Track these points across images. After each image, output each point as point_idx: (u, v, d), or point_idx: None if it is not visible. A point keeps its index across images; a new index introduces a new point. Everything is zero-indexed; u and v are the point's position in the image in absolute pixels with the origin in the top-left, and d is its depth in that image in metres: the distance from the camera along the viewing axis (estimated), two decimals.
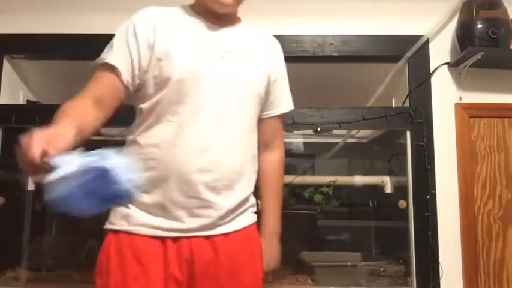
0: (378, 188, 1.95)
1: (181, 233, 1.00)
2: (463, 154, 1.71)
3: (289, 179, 1.84)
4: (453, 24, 1.78)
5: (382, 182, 1.92)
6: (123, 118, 1.71)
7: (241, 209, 1.08)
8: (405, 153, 1.73)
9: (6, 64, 1.81)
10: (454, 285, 1.65)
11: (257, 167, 1.15)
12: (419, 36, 1.76)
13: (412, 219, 1.68)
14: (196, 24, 1.08)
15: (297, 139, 2.24)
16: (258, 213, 1.18)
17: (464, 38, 1.70)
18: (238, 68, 1.07)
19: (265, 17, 1.73)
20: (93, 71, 1.04)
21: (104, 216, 1.06)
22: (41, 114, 1.68)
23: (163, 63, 1.01)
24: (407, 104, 1.77)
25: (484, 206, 1.70)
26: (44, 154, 0.71)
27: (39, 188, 1.91)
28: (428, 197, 1.67)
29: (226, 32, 1.10)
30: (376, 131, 2.07)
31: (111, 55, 1.02)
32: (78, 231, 2.24)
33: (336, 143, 2.20)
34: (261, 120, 1.18)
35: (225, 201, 1.03)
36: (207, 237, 1.02)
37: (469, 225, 1.68)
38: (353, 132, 2.06)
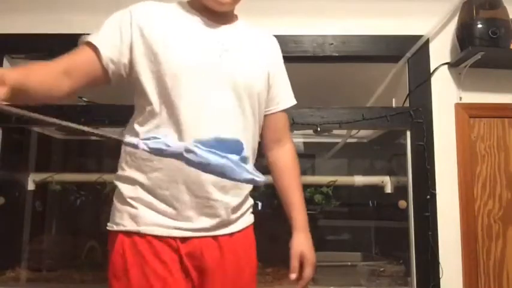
0: (378, 188, 1.95)
1: (191, 232, 1.00)
2: (463, 154, 1.71)
3: None
4: (453, 24, 1.78)
5: (382, 182, 1.92)
6: (124, 118, 1.71)
7: (244, 208, 1.09)
8: (405, 153, 1.73)
9: (6, 64, 1.80)
10: (454, 285, 1.65)
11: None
12: (419, 36, 1.76)
13: (412, 219, 1.68)
14: (194, 21, 1.07)
15: (297, 139, 2.25)
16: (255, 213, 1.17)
17: (464, 38, 1.70)
18: (237, 65, 1.06)
19: (265, 17, 1.73)
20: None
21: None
22: (40, 114, 1.67)
23: (161, 59, 1.00)
24: (407, 104, 1.77)
25: (484, 206, 1.70)
26: None
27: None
28: (428, 197, 1.67)
29: (224, 29, 1.09)
30: (376, 131, 2.07)
31: (95, 36, 1.00)
32: (78, 231, 2.24)
33: (336, 143, 2.20)
34: (266, 117, 1.17)
35: (233, 199, 1.04)
36: (214, 237, 1.02)
37: (469, 225, 1.68)
38: (353, 132, 2.06)
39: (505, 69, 1.76)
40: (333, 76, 2.06)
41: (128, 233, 1.00)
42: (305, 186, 2.01)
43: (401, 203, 1.74)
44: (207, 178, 0.98)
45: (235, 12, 1.16)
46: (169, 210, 0.99)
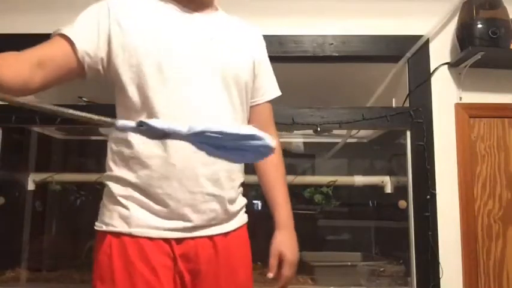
0: (378, 188, 1.95)
1: (186, 232, 0.97)
2: (463, 154, 1.71)
3: (289, 179, 1.83)
4: (453, 24, 1.78)
5: (382, 182, 1.92)
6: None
7: (238, 205, 1.07)
8: (405, 153, 1.73)
9: None
10: (454, 285, 1.65)
11: None
12: (419, 36, 1.76)
13: (412, 219, 1.68)
14: (175, 11, 1.03)
15: (297, 139, 2.25)
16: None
17: (464, 38, 1.70)
18: (222, 55, 1.02)
19: (265, 17, 1.74)
20: None
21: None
22: (40, 114, 1.68)
23: (142, 52, 0.95)
24: (407, 104, 1.77)
25: (484, 206, 1.70)
26: None
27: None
28: (428, 197, 1.67)
29: (206, 18, 1.05)
30: (376, 131, 2.07)
31: (70, 28, 0.96)
32: (78, 231, 2.24)
33: (336, 143, 2.20)
34: (252, 109, 1.14)
35: (227, 193, 1.01)
36: (209, 237, 1.00)
37: (469, 225, 1.68)
38: (353, 132, 2.06)
39: (505, 69, 1.76)
40: (333, 76, 2.06)
41: (117, 234, 0.96)
42: (305, 186, 2.02)
43: (401, 203, 1.74)
44: (202, 172, 0.95)
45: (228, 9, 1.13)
46: (162, 209, 0.96)
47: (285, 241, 1.11)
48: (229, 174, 1.02)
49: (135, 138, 0.96)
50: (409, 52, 1.76)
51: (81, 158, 2.37)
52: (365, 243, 2.31)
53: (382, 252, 2.10)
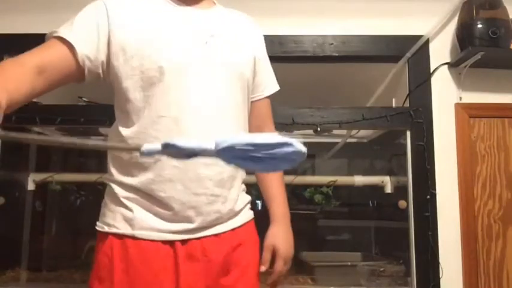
0: (378, 188, 1.95)
1: (190, 234, 0.95)
2: (463, 154, 1.71)
3: (289, 179, 1.83)
4: (453, 24, 1.78)
5: (382, 182, 1.92)
6: None
7: (241, 203, 1.06)
8: (405, 153, 1.73)
9: None
10: (454, 285, 1.65)
11: None
12: (419, 36, 1.76)
13: (412, 219, 1.68)
14: (175, 9, 1.00)
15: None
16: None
17: (464, 38, 1.70)
18: (223, 52, 1.01)
19: (265, 17, 1.73)
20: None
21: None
22: (41, 114, 1.68)
23: (144, 52, 0.93)
24: (407, 104, 1.77)
25: (484, 206, 1.70)
26: None
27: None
28: (428, 197, 1.67)
29: (205, 14, 1.03)
30: (376, 131, 2.07)
31: (68, 30, 0.92)
32: (78, 231, 2.24)
33: (336, 143, 2.20)
34: (251, 104, 1.13)
35: (230, 192, 1.00)
36: (216, 235, 0.99)
37: (469, 225, 1.68)
38: (353, 132, 2.06)
39: (505, 69, 1.76)
40: (333, 76, 2.06)
41: (120, 236, 0.95)
42: (305, 186, 2.02)
43: (401, 203, 1.74)
44: (205, 173, 0.94)
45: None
46: (166, 211, 0.94)
47: (279, 235, 1.11)
48: (232, 174, 1.01)
49: (136, 140, 0.94)
50: (409, 52, 1.76)
51: (81, 158, 2.37)
52: (365, 243, 2.31)
53: (382, 252, 2.10)
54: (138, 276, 0.92)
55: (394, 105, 1.82)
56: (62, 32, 0.92)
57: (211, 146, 0.62)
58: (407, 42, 1.77)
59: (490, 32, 1.63)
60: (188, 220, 0.95)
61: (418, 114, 1.72)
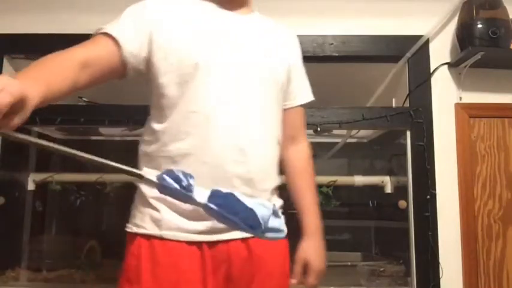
0: (378, 188, 1.95)
1: (217, 234, 0.95)
2: (463, 154, 1.71)
3: None
4: (453, 24, 1.78)
5: (382, 182, 1.92)
6: (124, 118, 1.71)
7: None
8: (405, 153, 1.73)
9: (6, 64, 1.80)
10: (454, 285, 1.65)
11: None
12: (419, 36, 1.76)
13: (412, 219, 1.68)
14: (214, 11, 1.03)
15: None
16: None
17: (464, 38, 1.70)
18: (258, 55, 1.03)
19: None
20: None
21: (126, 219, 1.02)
22: (40, 114, 1.67)
23: (182, 51, 0.96)
24: (407, 104, 1.77)
25: (484, 206, 1.70)
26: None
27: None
28: (428, 197, 1.67)
29: (243, 19, 1.06)
30: (376, 131, 2.07)
31: (114, 27, 0.95)
32: (78, 231, 2.24)
33: (336, 143, 2.20)
34: (284, 112, 1.13)
35: (261, 195, 0.98)
36: (242, 240, 0.97)
37: (469, 225, 1.68)
38: (353, 132, 2.06)
39: (505, 69, 1.76)
40: (333, 76, 2.05)
41: (147, 237, 0.95)
42: None
43: (401, 203, 1.74)
44: (234, 171, 0.94)
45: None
46: (194, 210, 0.91)
47: (311, 248, 1.11)
48: (264, 176, 1.00)
49: (166, 137, 0.97)
50: (409, 52, 1.76)
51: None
52: (365, 243, 2.31)
53: (382, 252, 2.10)
54: (165, 277, 0.92)
55: (394, 105, 1.82)
56: (108, 28, 0.95)
57: (201, 199, 0.68)
58: (407, 42, 1.77)
59: (490, 32, 1.63)
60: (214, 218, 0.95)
61: (418, 114, 1.72)
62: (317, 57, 1.79)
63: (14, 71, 1.86)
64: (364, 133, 2.16)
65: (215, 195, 0.69)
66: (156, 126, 0.99)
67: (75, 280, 1.75)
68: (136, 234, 0.97)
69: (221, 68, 0.97)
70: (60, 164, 2.28)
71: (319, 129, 1.70)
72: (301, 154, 1.18)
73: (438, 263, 1.64)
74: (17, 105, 0.62)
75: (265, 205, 0.71)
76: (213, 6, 1.04)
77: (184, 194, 0.68)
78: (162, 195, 0.93)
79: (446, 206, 1.68)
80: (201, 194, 0.69)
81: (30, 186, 1.87)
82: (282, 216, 1.07)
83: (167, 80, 0.97)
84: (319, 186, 1.98)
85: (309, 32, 1.79)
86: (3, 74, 1.80)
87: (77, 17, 1.80)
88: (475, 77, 1.75)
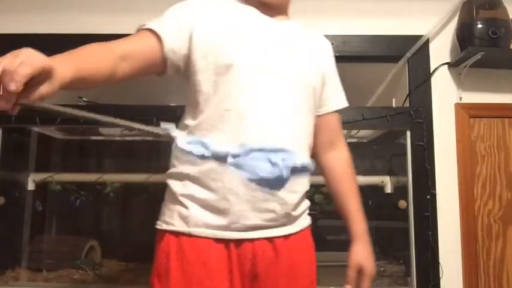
0: (378, 188, 1.95)
1: (244, 232, 0.96)
2: (463, 154, 1.71)
3: None
4: (453, 24, 1.78)
5: (382, 182, 1.92)
6: (124, 118, 1.70)
7: (300, 209, 1.05)
8: (405, 153, 1.73)
9: None
10: (454, 285, 1.65)
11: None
12: (419, 36, 1.76)
13: (412, 219, 1.68)
14: (253, 15, 1.06)
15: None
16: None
17: (464, 38, 1.70)
18: (293, 60, 1.04)
19: None
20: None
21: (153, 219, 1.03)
22: (41, 114, 1.68)
23: (220, 50, 0.98)
24: (407, 104, 1.77)
25: (484, 206, 1.70)
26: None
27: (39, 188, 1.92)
28: (428, 197, 1.67)
29: (281, 24, 1.08)
30: (376, 131, 2.07)
31: (157, 23, 0.97)
32: (78, 231, 2.24)
33: None
34: (320, 118, 1.15)
35: (289, 196, 0.99)
36: (269, 239, 0.98)
37: (469, 225, 1.68)
38: (353, 132, 2.06)
39: (505, 69, 1.76)
40: None
41: (176, 233, 0.97)
42: None
43: (401, 203, 1.74)
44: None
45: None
46: (221, 204, 0.95)
47: (363, 253, 1.12)
48: (293, 177, 1.00)
49: (199, 133, 0.98)
50: (409, 52, 1.76)
51: (81, 158, 2.37)
52: None
53: (382, 252, 2.10)
54: (192, 273, 0.93)
55: (394, 105, 1.82)
56: (151, 24, 0.97)
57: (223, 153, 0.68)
58: (407, 42, 1.77)
59: (490, 32, 1.63)
60: (243, 216, 0.95)
61: (418, 114, 1.72)
62: None
63: None
64: (364, 133, 2.16)
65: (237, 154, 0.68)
66: (190, 122, 1.01)
67: (75, 280, 1.75)
68: (165, 231, 0.99)
69: (255, 69, 0.99)
70: (60, 164, 2.29)
71: None
72: (341, 159, 1.20)
73: (438, 263, 1.64)
74: (40, 77, 0.64)
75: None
76: (253, 11, 1.07)
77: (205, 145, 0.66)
78: (192, 192, 0.97)
79: (446, 206, 1.68)
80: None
81: (30, 186, 1.87)
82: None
83: (204, 77, 0.99)
84: (319, 186, 1.98)
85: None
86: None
87: (77, 17, 1.80)
88: (475, 77, 1.75)
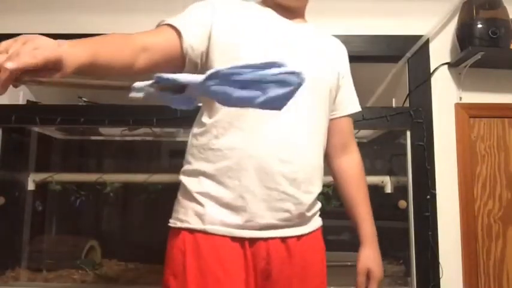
0: (378, 188, 1.94)
1: (258, 230, 0.96)
2: (463, 154, 1.71)
3: None
4: (453, 24, 1.78)
5: (382, 182, 1.92)
6: (124, 118, 1.71)
7: (313, 210, 1.06)
8: (405, 153, 1.73)
9: None
10: (454, 285, 1.65)
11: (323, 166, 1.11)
12: (419, 36, 1.76)
13: (412, 219, 1.68)
14: (271, 16, 1.07)
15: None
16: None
17: (464, 38, 1.70)
18: (310, 62, 1.05)
19: None
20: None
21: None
22: (40, 114, 1.68)
23: (237, 49, 0.99)
24: (407, 104, 1.77)
25: (484, 206, 1.70)
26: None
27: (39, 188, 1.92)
28: (428, 197, 1.67)
29: (298, 26, 1.09)
30: (376, 131, 2.06)
31: (178, 20, 0.97)
32: (78, 231, 2.24)
33: None
34: (333, 122, 1.16)
35: (304, 197, 1.00)
36: (282, 239, 0.99)
37: (469, 225, 1.68)
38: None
39: (505, 69, 1.76)
40: None
41: (191, 231, 0.97)
42: None
43: (401, 203, 1.74)
44: (278, 169, 0.96)
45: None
46: (237, 202, 0.95)
47: (371, 257, 1.14)
48: (309, 177, 1.01)
49: (217, 130, 0.98)
50: (409, 52, 1.76)
51: (81, 158, 2.37)
52: None
53: (382, 252, 2.10)
54: (209, 270, 0.93)
55: (394, 105, 1.82)
56: (172, 20, 0.97)
57: (199, 78, 0.61)
58: (407, 42, 1.77)
59: (490, 32, 1.63)
60: (257, 214, 0.96)
61: (418, 114, 1.72)
62: None
63: None
64: (364, 133, 2.15)
65: (214, 76, 0.61)
66: (207, 120, 1.01)
67: (75, 280, 1.75)
68: (180, 229, 0.98)
69: None
70: (60, 164, 2.29)
71: None
72: (353, 163, 1.20)
73: (438, 263, 1.64)
74: (48, 66, 0.66)
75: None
76: (271, 13, 1.08)
77: (178, 81, 0.61)
78: (207, 190, 0.97)
79: (446, 206, 1.68)
80: (196, 77, 0.62)
81: (30, 186, 1.87)
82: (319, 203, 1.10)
83: None
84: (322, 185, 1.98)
85: None
86: None
87: (77, 17, 1.80)
88: (475, 77, 1.75)
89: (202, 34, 0.98)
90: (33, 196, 1.96)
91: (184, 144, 1.09)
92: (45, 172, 1.91)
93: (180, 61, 0.98)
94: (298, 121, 1.00)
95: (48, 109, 1.71)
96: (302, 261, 1.02)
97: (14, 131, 1.84)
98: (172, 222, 1.02)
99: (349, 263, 1.86)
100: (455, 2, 1.74)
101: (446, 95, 1.76)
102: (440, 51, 1.79)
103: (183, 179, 1.03)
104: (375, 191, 2.09)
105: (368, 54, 1.79)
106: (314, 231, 1.07)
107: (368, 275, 1.12)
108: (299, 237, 1.02)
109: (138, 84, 0.61)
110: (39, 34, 0.70)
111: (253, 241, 0.97)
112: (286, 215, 0.98)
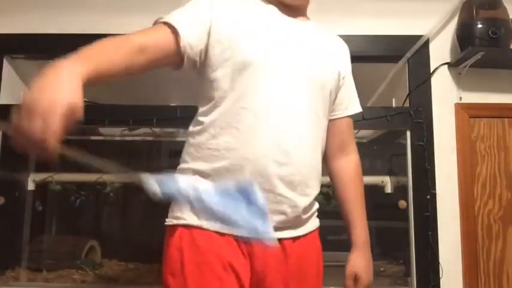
0: (378, 188, 1.94)
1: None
2: (463, 154, 1.71)
3: None
4: (453, 24, 1.78)
5: (382, 182, 1.92)
6: (124, 118, 1.71)
7: (310, 212, 1.06)
8: (405, 153, 1.73)
9: (6, 64, 1.81)
10: (454, 285, 1.65)
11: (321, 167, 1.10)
12: (419, 36, 1.76)
13: (412, 219, 1.68)
14: (272, 13, 1.06)
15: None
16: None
17: (464, 38, 1.70)
18: (311, 62, 1.04)
19: None
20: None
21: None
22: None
23: (238, 47, 0.97)
24: (407, 104, 1.77)
25: (484, 206, 1.70)
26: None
27: (40, 188, 1.91)
28: (428, 197, 1.67)
29: (300, 24, 1.08)
30: (376, 131, 2.06)
31: (175, 17, 0.95)
32: (78, 231, 2.24)
33: None
34: (332, 122, 1.14)
35: (300, 199, 0.99)
36: (278, 240, 0.97)
37: (469, 225, 1.68)
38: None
39: (505, 69, 1.76)
40: None
41: (188, 227, 0.96)
42: None
43: (401, 203, 1.74)
44: (274, 171, 0.95)
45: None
46: None
47: (361, 262, 1.12)
48: (305, 180, 1.00)
49: (214, 130, 0.98)
50: (409, 52, 1.76)
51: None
52: None
53: (382, 252, 2.10)
54: (207, 264, 0.93)
55: (394, 105, 1.82)
56: (169, 18, 0.96)
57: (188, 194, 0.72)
58: (407, 42, 1.77)
59: (490, 32, 1.63)
60: None
61: (418, 114, 1.72)
62: None
63: (13, 71, 1.86)
64: (364, 133, 2.15)
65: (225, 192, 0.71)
66: (205, 118, 1.01)
67: (75, 280, 1.75)
68: (176, 226, 0.98)
69: (273, 68, 0.99)
70: (60, 164, 2.28)
71: None
72: (351, 165, 1.19)
73: (438, 263, 1.64)
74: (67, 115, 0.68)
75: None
76: (273, 10, 1.06)
77: (186, 197, 0.70)
78: None
79: (446, 206, 1.68)
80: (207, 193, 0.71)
81: (30, 186, 1.87)
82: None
83: (221, 74, 0.98)
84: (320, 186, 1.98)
85: None
86: (3, 74, 1.80)
87: (77, 17, 1.80)
88: (475, 77, 1.75)
89: (200, 32, 0.97)
90: (33, 196, 1.96)
91: (184, 144, 1.09)
92: (45, 172, 1.91)
93: (179, 59, 0.97)
94: (296, 122, 0.99)
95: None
96: (298, 262, 1.01)
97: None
98: (169, 221, 1.01)
99: None
100: (455, 2, 1.74)
101: (446, 95, 1.76)
102: (440, 51, 1.79)
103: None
104: (374, 191, 2.09)
105: (368, 54, 1.79)
106: (311, 232, 1.07)
107: (356, 280, 1.11)
108: (294, 238, 1.01)
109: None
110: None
111: (248, 241, 0.96)
112: (282, 217, 0.98)
